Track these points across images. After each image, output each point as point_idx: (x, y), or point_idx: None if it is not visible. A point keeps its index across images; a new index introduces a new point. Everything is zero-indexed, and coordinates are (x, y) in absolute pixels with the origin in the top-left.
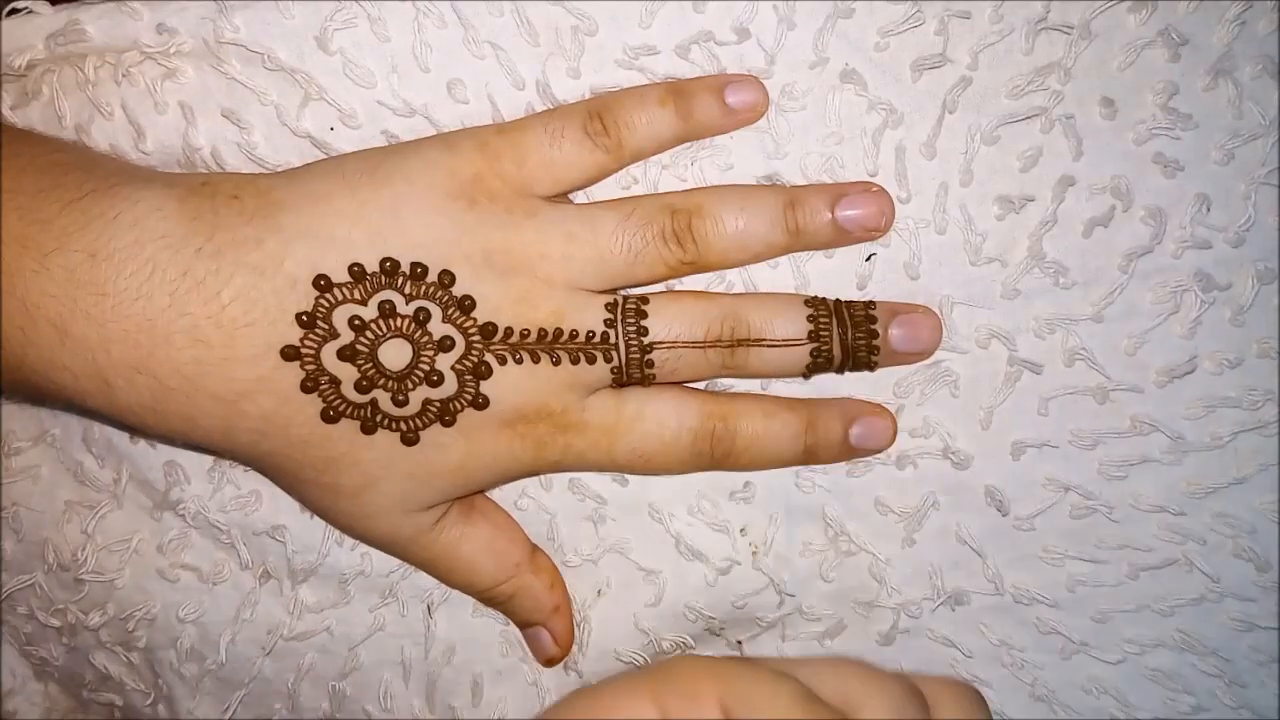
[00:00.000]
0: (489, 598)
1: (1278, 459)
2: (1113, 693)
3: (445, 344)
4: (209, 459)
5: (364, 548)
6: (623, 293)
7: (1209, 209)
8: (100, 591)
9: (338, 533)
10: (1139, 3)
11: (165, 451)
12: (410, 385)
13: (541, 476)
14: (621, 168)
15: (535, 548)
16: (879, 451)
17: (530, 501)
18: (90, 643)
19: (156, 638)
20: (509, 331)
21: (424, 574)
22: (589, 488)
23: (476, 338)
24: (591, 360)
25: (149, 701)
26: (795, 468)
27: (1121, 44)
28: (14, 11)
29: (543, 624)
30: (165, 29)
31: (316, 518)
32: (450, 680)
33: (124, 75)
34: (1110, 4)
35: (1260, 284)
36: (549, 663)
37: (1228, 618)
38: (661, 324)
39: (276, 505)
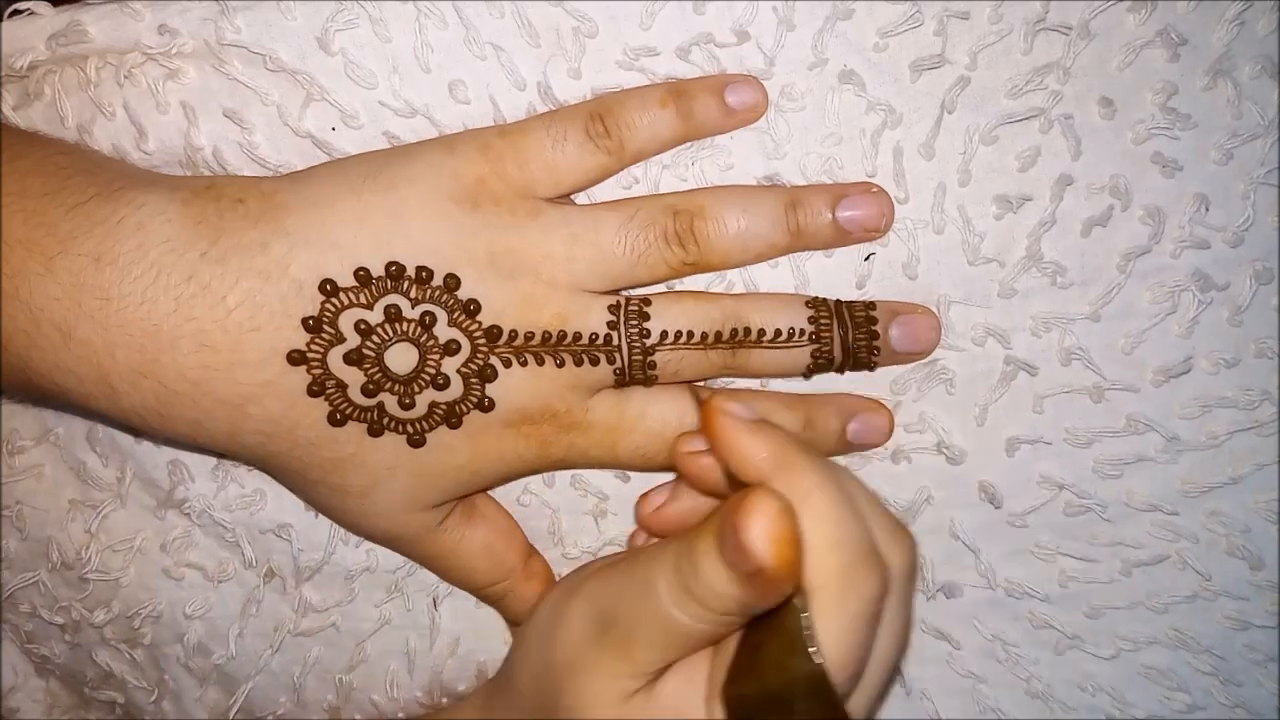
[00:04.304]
0: (482, 595)
1: (1276, 458)
2: (1108, 690)
3: (451, 348)
4: (213, 458)
5: (370, 546)
6: (624, 293)
7: (1208, 209)
8: (105, 589)
9: (343, 531)
10: (1138, 2)
11: (169, 450)
12: (417, 389)
13: (544, 474)
14: (623, 168)
15: (532, 551)
16: (875, 447)
17: (532, 498)
18: (93, 640)
19: (162, 634)
20: (514, 334)
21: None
22: (591, 484)
23: (482, 341)
24: (595, 362)
25: (153, 698)
26: None
27: (1120, 44)
28: (16, 13)
29: None
30: (167, 30)
31: (322, 516)
32: (455, 669)
33: (126, 76)
34: (1109, 4)
35: (1258, 284)
36: None
37: (1222, 616)
38: (663, 325)
39: (281, 504)
